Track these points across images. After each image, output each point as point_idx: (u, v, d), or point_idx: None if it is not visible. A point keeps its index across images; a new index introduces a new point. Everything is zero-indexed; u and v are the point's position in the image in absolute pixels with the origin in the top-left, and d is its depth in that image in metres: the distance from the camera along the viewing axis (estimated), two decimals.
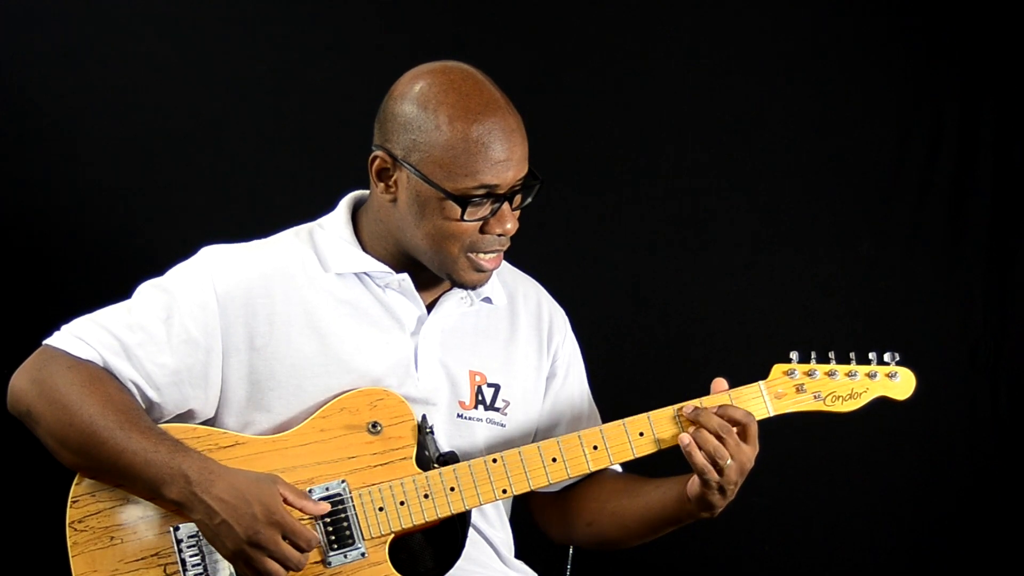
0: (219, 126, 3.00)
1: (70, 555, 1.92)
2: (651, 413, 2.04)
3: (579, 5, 3.16)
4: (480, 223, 1.96)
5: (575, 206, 3.10)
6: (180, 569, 1.92)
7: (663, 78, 3.16)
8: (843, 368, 2.08)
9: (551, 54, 3.13)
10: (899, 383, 2.10)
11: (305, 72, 3.03)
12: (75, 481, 1.94)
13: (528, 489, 2.02)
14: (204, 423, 2.02)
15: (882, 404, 2.10)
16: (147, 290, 2.02)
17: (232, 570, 1.91)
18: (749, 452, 1.99)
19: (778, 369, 2.08)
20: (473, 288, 2.06)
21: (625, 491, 2.13)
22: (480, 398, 2.10)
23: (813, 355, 2.09)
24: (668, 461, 2.07)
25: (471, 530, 2.03)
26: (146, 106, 2.96)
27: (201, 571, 1.92)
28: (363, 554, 1.95)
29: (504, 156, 1.93)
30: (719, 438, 1.97)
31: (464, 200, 1.94)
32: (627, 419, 2.05)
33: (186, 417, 2.01)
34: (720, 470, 1.96)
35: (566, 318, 2.25)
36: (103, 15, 2.94)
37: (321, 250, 2.07)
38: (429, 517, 1.98)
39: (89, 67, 2.94)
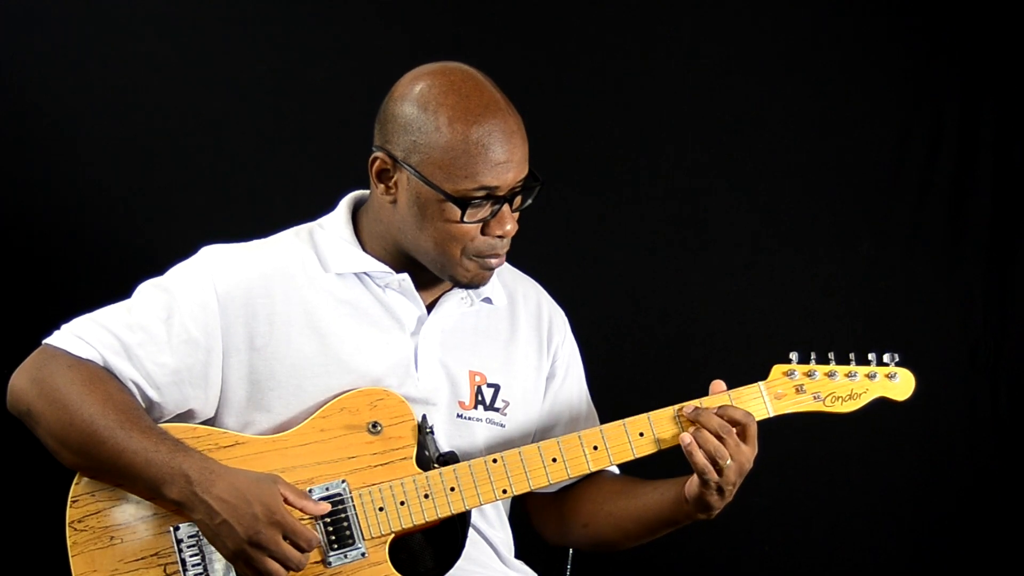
0: (219, 126, 3.00)
1: (70, 555, 1.91)
2: (651, 413, 2.04)
3: (579, 5, 3.16)
4: (480, 224, 1.96)
5: (575, 206, 3.10)
6: (180, 569, 1.91)
7: (663, 78, 3.15)
8: (843, 369, 2.08)
9: (551, 54, 3.13)
10: (899, 384, 2.10)
11: (305, 72, 3.03)
12: (75, 481, 1.94)
13: (528, 489, 2.02)
14: (204, 423, 2.02)
15: (882, 404, 2.10)
16: (147, 290, 2.02)
17: (232, 570, 1.91)
18: (748, 453, 1.99)
19: (778, 370, 2.08)
20: (474, 288, 2.06)
21: (622, 492, 2.13)
22: (480, 398, 2.10)
23: (813, 356, 2.09)
24: (667, 462, 2.07)
25: (471, 530, 2.03)
26: (146, 106, 2.96)
27: (201, 571, 1.92)
28: (363, 554, 1.95)
29: (504, 158, 1.93)
30: (719, 438, 1.97)
31: (464, 202, 1.93)
32: (627, 419, 2.05)
33: (186, 417, 2.01)
34: (720, 470, 1.97)
35: (566, 319, 2.25)
36: (103, 15, 2.94)
37: (321, 250, 2.06)
38: (429, 517, 1.97)
39: (89, 67, 2.94)
